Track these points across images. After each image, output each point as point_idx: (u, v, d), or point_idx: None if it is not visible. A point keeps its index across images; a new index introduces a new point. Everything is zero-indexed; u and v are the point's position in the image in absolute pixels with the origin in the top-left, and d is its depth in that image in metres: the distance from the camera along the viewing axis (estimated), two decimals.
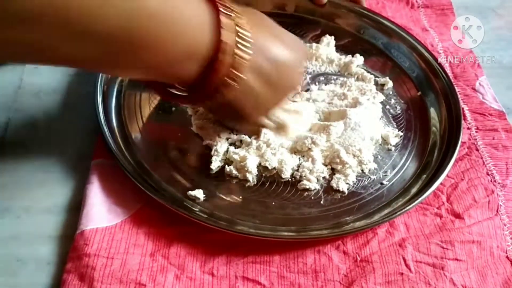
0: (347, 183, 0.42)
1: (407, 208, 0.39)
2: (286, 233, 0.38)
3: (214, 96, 0.37)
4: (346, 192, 0.42)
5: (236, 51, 0.36)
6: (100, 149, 0.42)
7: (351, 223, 0.39)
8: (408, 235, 0.39)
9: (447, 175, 0.43)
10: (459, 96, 0.48)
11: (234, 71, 0.36)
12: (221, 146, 0.43)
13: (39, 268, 0.36)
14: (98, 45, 0.31)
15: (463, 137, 0.47)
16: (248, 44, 0.36)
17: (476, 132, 0.48)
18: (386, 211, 0.40)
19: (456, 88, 0.49)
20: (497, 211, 0.41)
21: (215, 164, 0.42)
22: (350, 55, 0.52)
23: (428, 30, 0.58)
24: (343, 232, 0.39)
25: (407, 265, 0.37)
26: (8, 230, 0.38)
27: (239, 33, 0.36)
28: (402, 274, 0.37)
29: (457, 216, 0.41)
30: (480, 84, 0.52)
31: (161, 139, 0.44)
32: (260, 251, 0.38)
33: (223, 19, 0.35)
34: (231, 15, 0.35)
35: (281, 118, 0.45)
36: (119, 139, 0.43)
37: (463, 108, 0.49)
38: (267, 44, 0.38)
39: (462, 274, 0.37)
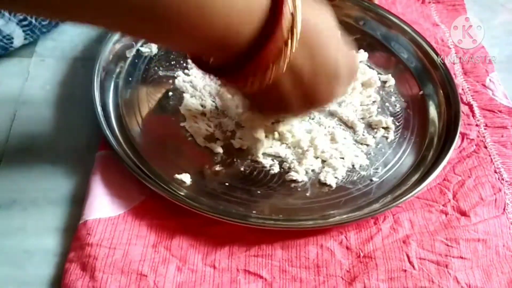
0: (335, 177, 0.42)
1: (395, 204, 0.39)
2: (276, 222, 0.38)
3: (263, 72, 0.33)
4: (334, 186, 0.41)
5: (294, 28, 0.32)
6: (104, 141, 0.42)
7: (337, 216, 0.39)
8: (413, 231, 0.39)
9: (453, 172, 0.43)
10: (462, 93, 0.48)
11: (289, 46, 0.32)
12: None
13: (45, 260, 0.37)
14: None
15: (471, 134, 0.46)
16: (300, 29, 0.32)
17: (485, 129, 0.47)
18: (373, 207, 0.40)
19: (459, 85, 0.48)
20: (504, 209, 0.41)
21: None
22: None
23: (439, 25, 0.57)
24: (327, 224, 0.38)
25: (410, 262, 0.37)
26: (15, 221, 0.39)
27: (297, 8, 0.32)
28: (405, 271, 0.36)
29: (463, 213, 0.40)
30: (490, 80, 0.51)
31: (157, 126, 0.44)
32: (262, 245, 0.38)
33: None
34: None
35: None
36: (117, 132, 0.43)
37: (472, 105, 0.49)
38: (321, 42, 0.35)
39: (467, 273, 0.37)
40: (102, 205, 0.38)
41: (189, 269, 0.36)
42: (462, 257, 0.37)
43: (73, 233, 0.38)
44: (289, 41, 0.32)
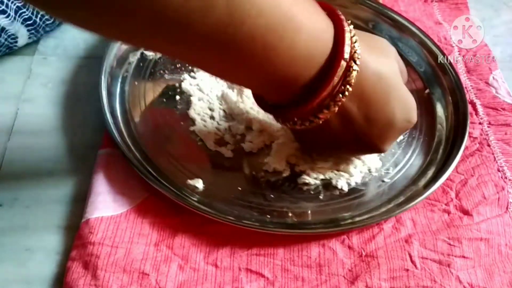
0: (348, 183, 0.42)
1: (408, 206, 0.39)
2: (282, 227, 0.38)
3: (314, 115, 0.34)
4: (347, 189, 0.41)
5: (352, 67, 0.32)
6: (107, 139, 0.42)
7: (350, 219, 0.39)
8: (415, 231, 0.39)
9: (456, 171, 0.43)
10: (465, 92, 0.47)
11: (340, 95, 0.33)
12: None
13: (47, 258, 0.37)
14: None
15: (474, 132, 0.46)
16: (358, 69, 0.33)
17: (488, 127, 0.47)
18: (385, 209, 0.39)
19: (463, 84, 0.48)
20: (506, 208, 0.41)
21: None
22: None
23: (442, 23, 0.57)
24: (340, 228, 0.38)
25: (412, 261, 0.37)
26: (17, 219, 0.39)
27: (356, 54, 0.33)
28: (407, 270, 0.36)
29: (466, 212, 0.40)
30: (494, 78, 0.51)
31: (166, 129, 0.44)
32: (264, 244, 0.37)
33: (346, 33, 0.32)
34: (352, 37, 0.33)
35: None
36: (123, 130, 0.43)
37: (475, 103, 0.49)
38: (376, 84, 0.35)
39: (469, 272, 0.37)
40: (104, 203, 0.38)
41: (191, 268, 0.36)
42: (464, 257, 0.37)
43: (75, 231, 0.38)
44: (343, 88, 0.33)
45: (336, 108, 0.34)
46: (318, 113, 0.34)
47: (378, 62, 0.35)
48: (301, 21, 0.30)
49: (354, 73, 0.32)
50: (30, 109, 0.46)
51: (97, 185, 0.39)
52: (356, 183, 0.42)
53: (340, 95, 0.33)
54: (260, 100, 0.38)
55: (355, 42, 0.33)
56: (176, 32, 0.27)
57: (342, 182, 0.41)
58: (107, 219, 0.38)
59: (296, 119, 0.35)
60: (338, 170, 0.42)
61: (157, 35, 0.28)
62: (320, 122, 0.34)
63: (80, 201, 0.40)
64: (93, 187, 0.39)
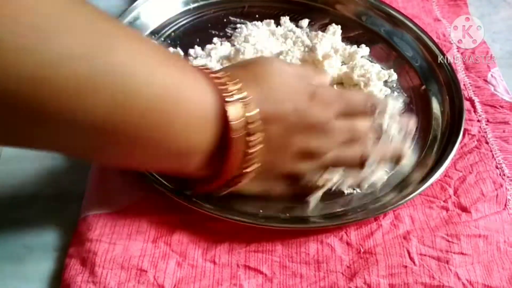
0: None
1: (402, 201, 0.39)
2: (278, 222, 0.38)
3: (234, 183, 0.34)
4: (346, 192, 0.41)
5: (248, 138, 0.32)
6: None
7: (344, 215, 0.39)
8: (413, 227, 0.39)
9: (454, 168, 0.43)
10: (464, 89, 0.47)
11: (249, 156, 0.33)
12: None
13: (45, 255, 0.37)
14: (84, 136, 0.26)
15: (473, 129, 0.46)
16: (258, 128, 0.32)
17: (486, 124, 0.47)
18: (380, 204, 0.39)
19: (461, 81, 0.48)
20: (505, 205, 0.41)
21: None
22: (356, 45, 0.51)
23: (440, 20, 0.57)
24: (335, 224, 0.38)
25: (411, 258, 0.37)
26: (15, 216, 0.39)
27: (248, 122, 0.32)
28: (406, 267, 0.36)
29: (464, 209, 0.40)
30: (492, 75, 0.51)
31: None
32: (262, 240, 0.37)
33: (229, 109, 0.31)
34: (237, 100, 0.31)
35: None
36: None
37: (473, 100, 0.49)
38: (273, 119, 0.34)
39: (467, 269, 0.37)
40: (102, 200, 0.38)
41: (189, 264, 0.36)
42: (463, 253, 0.37)
43: (73, 228, 0.38)
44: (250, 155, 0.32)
45: (251, 168, 0.33)
46: (236, 179, 0.34)
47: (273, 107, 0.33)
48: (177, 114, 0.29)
49: (257, 139, 0.32)
50: None
51: (95, 182, 0.39)
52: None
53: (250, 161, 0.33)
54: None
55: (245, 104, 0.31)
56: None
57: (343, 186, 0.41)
58: (105, 216, 0.37)
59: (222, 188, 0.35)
60: None
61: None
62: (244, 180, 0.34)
63: (77, 198, 0.40)
64: (91, 184, 0.39)
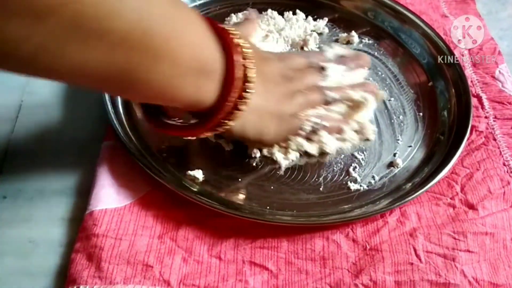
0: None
1: (408, 198, 0.39)
2: (284, 217, 0.38)
3: (232, 114, 0.36)
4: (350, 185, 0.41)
5: (247, 72, 0.35)
6: (111, 131, 0.42)
7: (350, 211, 0.39)
8: (420, 224, 0.39)
9: (462, 165, 0.43)
10: (471, 86, 0.47)
11: (247, 88, 0.35)
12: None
13: (51, 250, 0.37)
14: (110, 48, 0.28)
15: (480, 126, 0.46)
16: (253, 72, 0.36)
17: (494, 121, 0.46)
18: (386, 201, 0.39)
19: (469, 77, 0.48)
20: None
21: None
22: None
23: (448, 16, 0.56)
24: (341, 220, 0.38)
25: (417, 255, 0.37)
26: (21, 211, 0.39)
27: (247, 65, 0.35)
28: (412, 264, 0.36)
29: (471, 207, 0.40)
30: (500, 72, 0.50)
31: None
32: (268, 237, 0.37)
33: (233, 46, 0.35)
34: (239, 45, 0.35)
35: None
36: (125, 122, 0.43)
37: (481, 97, 0.48)
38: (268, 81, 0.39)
39: (474, 266, 0.36)
40: (108, 195, 0.38)
41: (195, 260, 0.36)
42: (469, 251, 0.37)
43: (79, 224, 0.38)
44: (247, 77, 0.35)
45: (237, 118, 0.36)
46: (223, 124, 0.36)
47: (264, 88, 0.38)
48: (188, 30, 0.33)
49: (249, 95, 0.35)
50: (34, 101, 0.46)
51: (101, 177, 0.39)
52: (359, 175, 0.42)
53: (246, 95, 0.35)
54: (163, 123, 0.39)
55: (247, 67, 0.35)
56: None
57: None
58: (111, 211, 0.38)
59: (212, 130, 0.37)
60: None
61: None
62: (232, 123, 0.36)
63: (83, 193, 0.40)
64: (97, 179, 0.39)
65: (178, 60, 0.32)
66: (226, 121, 0.36)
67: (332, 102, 0.43)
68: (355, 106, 0.44)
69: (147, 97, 0.34)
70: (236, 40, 0.35)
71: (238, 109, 0.35)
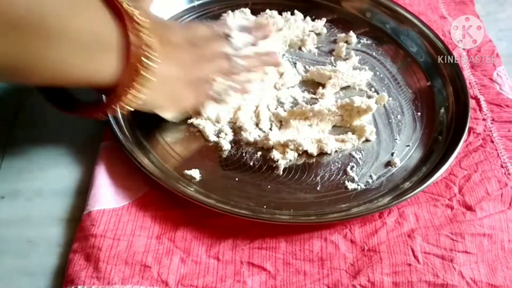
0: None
1: (405, 197, 0.39)
2: (282, 217, 0.38)
3: (139, 84, 0.35)
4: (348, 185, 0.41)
5: (145, 39, 0.35)
6: (109, 131, 0.42)
7: (345, 211, 0.39)
8: (418, 225, 0.39)
9: (459, 167, 0.43)
10: (469, 87, 0.47)
11: (149, 55, 0.35)
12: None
13: (49, 250, 0.37)
14: (1, 35, 0.28)
15: (478, 128, 0.46)
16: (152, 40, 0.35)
17: (491, 123, 0.46)
18: (383, 200, 0.39)
19: (467, 79, 0.48)
20: (510, 204, 0.40)
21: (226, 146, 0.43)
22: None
23: (446, 17, 0.56)
24: (337, 219, 0.38)
25: (415, 256, 0.37)
26: (20, 211, 0.39)
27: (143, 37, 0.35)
28: (410, 265, 0.36)
29: (469, 208, 0.40)
30: (498, 74, 0.50)
31: (165, 121, 0.44)
32: (266, 237, 0.37)
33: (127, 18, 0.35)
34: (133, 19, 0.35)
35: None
36: (122, 122, 0.43)
37: (479, 99, 0.48)
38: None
39: (472, 267, 0.37)
40: (106, 196, 0.38)
41: (193, 260, 0.36)
42: (467, 252, 0.37)
43: (77, 224, 0.38)
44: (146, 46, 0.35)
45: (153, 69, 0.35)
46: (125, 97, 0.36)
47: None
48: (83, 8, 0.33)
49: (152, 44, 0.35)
50: (32, 100, 0.46)
51: (99, 178, 0.39)
52: (356, 174, 0.42)
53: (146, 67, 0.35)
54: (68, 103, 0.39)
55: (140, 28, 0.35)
56: None
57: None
58: (109, 212, 0.38)
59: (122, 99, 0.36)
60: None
61: None
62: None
63: (81, 193, 0.40)
64: (95, 180, 0.39)
65: (72, 35, 0.32)
66: (134, 93, 0.35)
67: (240, 70, 0.43)
68: (360, 111, 0.44)
69: (46, 79, 0.34)
70: (129, 10, 0.35)
71: (143, 77, 0.35)
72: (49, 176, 0.41)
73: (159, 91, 0.38)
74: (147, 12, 0.37)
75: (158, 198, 0.39)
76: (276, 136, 0.43)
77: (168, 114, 0.42)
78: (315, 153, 0.42)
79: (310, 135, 0.43)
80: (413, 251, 0.37)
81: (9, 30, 0.28)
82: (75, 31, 0.32)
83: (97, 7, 0.34)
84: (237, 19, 0.49)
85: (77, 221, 0.38)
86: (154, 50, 0.35)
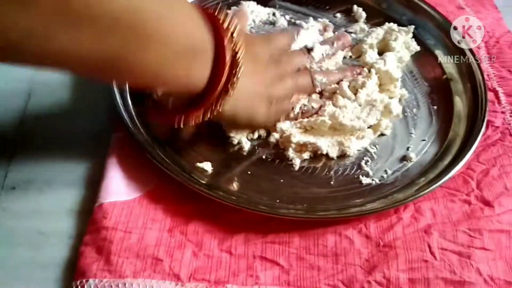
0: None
1: (421, 193, 0.38)
2: (295, 211, 0.37)
3: (223, 96, 0.36)
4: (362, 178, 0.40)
5: (237, 53, 0.35)
6: (120, 122, 0.41)
7: (360, 206, 0.38)
8: (435, 221, 0.38)
9: (477, 161, 0.42)
10: (487, 79, 0.46)
11: (237, 70, 0.35)
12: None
13: (60, 242, 0.37)
14: (101, 32, 0.28)
15: (496, 121, 0.45)
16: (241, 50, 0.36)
17: (510, 116, 0.45)
18: (398, 196, 0.39)
19: (485, 71, 0.47)
20: None
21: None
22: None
23: (464, 8, 0.55)
24: (349, 214, 0.37)
25: (431, 252, 0.36)
26: (31, 203, 0.39)
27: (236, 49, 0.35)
28: (426, 261, 0.36)
29: (487, 203, 0.39)
30: None
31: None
32: (279, 232, 0.37)
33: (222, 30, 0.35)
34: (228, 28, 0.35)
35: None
36: (134, 114, 0.42)
37: (497, 91, 0.47)
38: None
39: (489, 264, 0.36)
40: (118, 188, 0.38)
41: (205, 254, 0.36)
42: (485, 248, 0.36)
43: (89, 216, 0.37)
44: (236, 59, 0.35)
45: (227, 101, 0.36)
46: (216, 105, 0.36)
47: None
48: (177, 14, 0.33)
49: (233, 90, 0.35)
50: (43, 90, 0.46)
51: (111, 169, 0.39)
52: (371, 169, 0.41)
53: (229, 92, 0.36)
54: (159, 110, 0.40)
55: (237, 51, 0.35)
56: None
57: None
58: (121, 204, 0.37)
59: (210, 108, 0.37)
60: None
61: None
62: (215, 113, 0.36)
63: (93, 185, 0.39)
64: (107, 171, 0.39)
65: (169, 39, 0.32)
66: (217, 104, 0.36)
67: (320, 86, 0.44)
68: (385, 112, 0.44)
69: (139, 80, 0.34)
70: (227, 24, 0.35)
71: (228, 91, 0.35)
72: (60, 167, 0.41)
73: (238, 104, 0.38)
74: (242, 29, 0.37)
75: (170, 191, 0.39)
76: (296, 137, 0.41)
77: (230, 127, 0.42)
78: (335, 157, 0.42)
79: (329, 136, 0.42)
80: (429, 247, 0.36)
81: (112, 28, 0.28)
82: (172, 34, 0.32)
83: (193, 14, 0.34)
84: (311, 34, 0.48)
85: (89, 213, 0.37)
86: (242, 65, 0.35)
